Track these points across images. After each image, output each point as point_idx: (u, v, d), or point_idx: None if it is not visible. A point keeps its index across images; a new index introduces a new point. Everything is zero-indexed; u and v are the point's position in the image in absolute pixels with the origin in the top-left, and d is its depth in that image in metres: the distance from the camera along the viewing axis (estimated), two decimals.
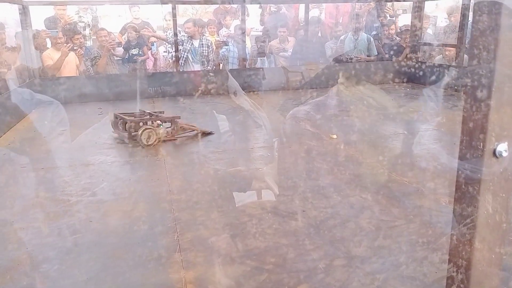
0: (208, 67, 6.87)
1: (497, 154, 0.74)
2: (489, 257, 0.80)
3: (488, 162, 0.75)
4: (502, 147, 0.74)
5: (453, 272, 0.81)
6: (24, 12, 5.66)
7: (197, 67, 6.79)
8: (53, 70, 5.96)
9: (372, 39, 7.11)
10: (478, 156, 0.75)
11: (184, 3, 7.79)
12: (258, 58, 7.30)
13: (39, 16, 6.24)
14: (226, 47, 6.99)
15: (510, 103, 0.74)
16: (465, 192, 0.78)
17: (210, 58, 6.88)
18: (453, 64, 6.31)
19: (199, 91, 6.34)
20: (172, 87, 6.32)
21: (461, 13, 6.26)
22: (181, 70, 6.55)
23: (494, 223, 0.78)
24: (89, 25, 7.68)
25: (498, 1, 0.70)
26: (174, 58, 6.51)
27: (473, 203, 0.77)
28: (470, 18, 6.66)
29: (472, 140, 0.75)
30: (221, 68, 6.97)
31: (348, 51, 7.00)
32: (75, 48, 6.05)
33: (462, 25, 6.20)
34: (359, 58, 6.89)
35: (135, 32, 6.17)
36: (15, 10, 5.64)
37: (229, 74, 6.42)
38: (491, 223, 0.78)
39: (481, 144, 0.74)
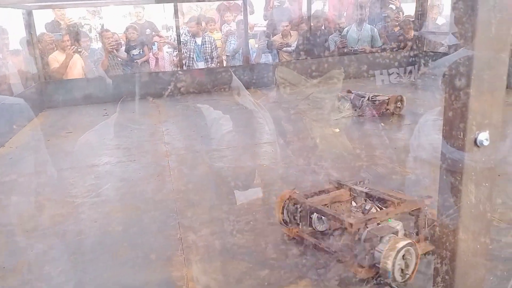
0: (212, 65, 6.88)
1: (478, 143, 0.73)
2: (474, 247, 0.79)
3: (469, 152, 0.74)
4: (483, 136, 0.73)
5: (438, 263, 0.80)
6: (28, 16, 5.71)
7: (200, 65, 6.80)
8: (59, 73, 6.01)
9: (375, 30, 7.04)
10: (459, 146, 0.74)
11: (187, 1, 7.77)
12: (262, 54, 7.28)
13: (41, 21, 6.30)
14: (233, 41, 7.00)
15: (490, 91, 0.72)
16: (448, 182, 0.77)
17: (213, 55, 6.88)
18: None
19: (202, 90, 6.35)
20: (176, 86, 6.33)
21: None
22: (184, 69, 6.57)
23: (478, 213, 0.77)
24: (95, 28, 7.73)
25: None
26: (177, 57, 6.52)
27: (455, 194, 0.76)
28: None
29: (453, 130, 0.74)
30: (225, 65, 6.98)
31: (352, 42, 6.94)
32: (79, 50, 6.09)
33: None
34: (363, 50, 6.83)
35: (135, 32, 6.19)
36: (19, 15, 5.70)
37: (233, 74, 6.41)
38: (475, 213, 0.77)
39: (462, 133, 0.73)
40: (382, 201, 1.89)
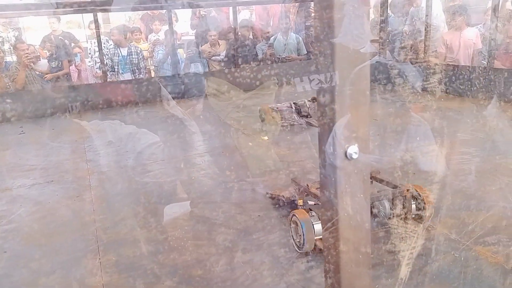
0: (140, 76, 6.67)
1: (349, 157, 0.75)
2: (356, 258, 0.80)
3: (341, 165, 0.75)
4: (352, 149, 0.75)
5: (324, 277, 0.81)
6: None
7: (127, 76, 6.56)
8: None
9: (300, 38, 7.24)
10: (331, 160, 0.75)
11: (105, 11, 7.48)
12: (191, 64, 7.20)
13: None
14: (161, 51, 6.84)
15: (354, 106, 0.74)
16: (325, 196, 0.78)
17: (140, 66, 6.68)
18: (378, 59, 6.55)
19: (129, 102, 6.14)
20: (100, 99, 6.06)
21: (381, 8, 6.51)
22: (109, 80, 6.30)
23: (356, 224, 0.79)
24: (8, 40, 7.22)
25: (333, 2, 0.70)
26: (100, 69, 6.24)
27: (333, 206, 0.77)
28: (390, 13, 6.96)
29: (325, 145, 0.75)
30: (152, 76, 6.81)
31: (279, 51, 7.08)
32: None
33: (383, 20, 6.46)
34: (289, 58, 6.99)
35: (51, 44, 5.85)
36: None
37: (161, 84, 6.27)
38: (353, 224, 0.78)
39: (332, 148, 0.74)
40: None
